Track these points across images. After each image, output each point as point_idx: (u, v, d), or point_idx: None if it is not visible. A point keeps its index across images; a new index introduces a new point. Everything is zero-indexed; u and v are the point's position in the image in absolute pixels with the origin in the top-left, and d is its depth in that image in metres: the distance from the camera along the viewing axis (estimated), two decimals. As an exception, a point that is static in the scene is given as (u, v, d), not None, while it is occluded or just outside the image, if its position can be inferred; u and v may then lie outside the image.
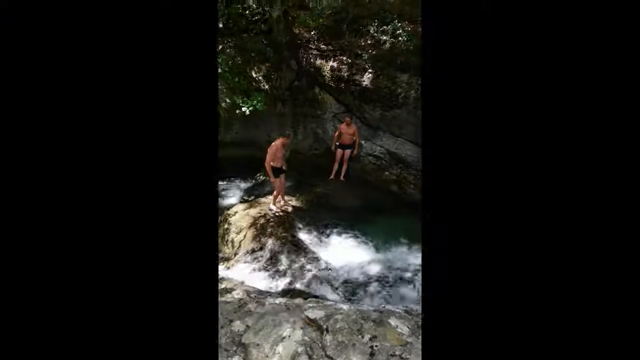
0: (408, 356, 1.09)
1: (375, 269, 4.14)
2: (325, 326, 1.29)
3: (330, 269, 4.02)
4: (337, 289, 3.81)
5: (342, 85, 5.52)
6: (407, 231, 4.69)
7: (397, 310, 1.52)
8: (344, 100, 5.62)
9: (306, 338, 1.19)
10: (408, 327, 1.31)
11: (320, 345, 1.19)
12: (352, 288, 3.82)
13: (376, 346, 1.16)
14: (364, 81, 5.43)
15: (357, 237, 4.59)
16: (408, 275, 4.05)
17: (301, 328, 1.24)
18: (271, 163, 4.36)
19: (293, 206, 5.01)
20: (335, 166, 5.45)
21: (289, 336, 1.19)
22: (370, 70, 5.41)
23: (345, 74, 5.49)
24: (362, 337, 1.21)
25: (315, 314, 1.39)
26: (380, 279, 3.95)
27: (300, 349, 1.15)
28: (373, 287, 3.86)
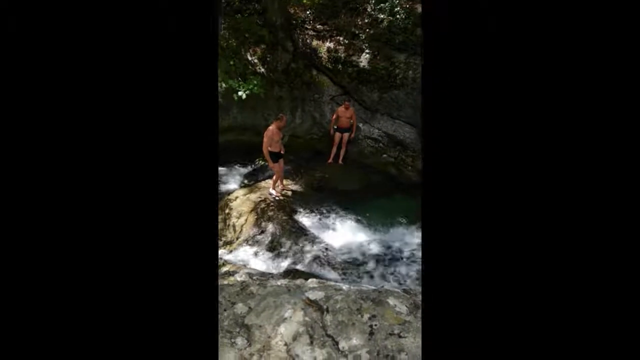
0: (406, 335, 1.15)
1: (374, 249, 4.24)
2: (325, 306, 1.34)
3: (330, 250, 4.11)
4: (337, 269, 3.91)
5: (339, 66, 5.41)
6: (405, 212, 4.77)
7: (395, 290, 1.57)
8: (341, 82, 5.53)
9: (307, 318, 1.25)
10: (406, 306, 1.36)
11: (321, 325, 1.24)
12: (352, 268, 3.94)
13: (375, 325, 1.21)
14: (361, 62, 5.31)
15: (356, 219, 4.66)
16: (406, 254, 4.16)
17: (302, 309, 1.29)
18: (269, 148, 4.35)
19: (292, 190, 5.05)
20: (334, 150, 5.45)
21: (290, 317, 1.24)
22: (367, 51, 5.28)
23: (342, 55, 5.37)
24: (362, 316, 1.26)
25: (316, 294, 1.44)
26: (379, 259, 4.06)
27: (301, 329, 1.20)
28: (371, 266, 3.98)
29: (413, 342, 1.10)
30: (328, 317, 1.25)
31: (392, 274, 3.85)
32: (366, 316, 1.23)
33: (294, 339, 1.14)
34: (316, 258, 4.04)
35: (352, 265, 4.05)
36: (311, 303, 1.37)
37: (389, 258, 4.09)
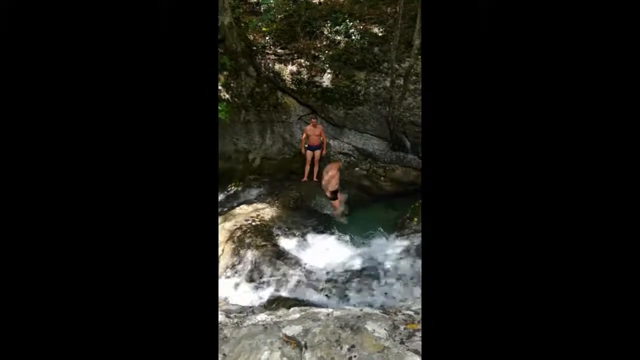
0: (385, 362, 1.13)
1: (356, 264, 4.21)
2: (303, 342, 1.29)
3: (313, 272, 4.04)
4: (321, 291, 3.84)
5: (304, 87, 5.53)
6: (383, 222, 4.83)
7: (375, 312, 1.55)
8: (307, 102, 5.64)
9: (285, 359, 1.20)
10: (385, 329, 1.35)
11: (299, 363, 1.20)
12: (336, 288, 3.87)
13: (354, 357, 1.18)
14: (324, 82, 5.47)
15: (337, 235, 4.65)
16: (388, 265, 4.18)
17: (279, 348, 1.24)
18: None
19: (269, 213, 4.96)
20: (307, 168, 5.47)
21: (267, 359, 1.19)
22: (328, 71, 5.46)
23: (305, 76, 5.50)
24: (341, 348, 1.23)
25: (293, 330, 1.39)
26: (362, 274, 4.03)
27: (279, 373, 1.15)
28: (356, 283, 3.94)
29: (392, 370, 1.09)
30: (307, 355, 1.21)
31: (376, 288, 3.83)
32: (345, 347, 1.21)
33: (272, 385, 1.09)
34: (299, 282, 3.95)
35: (337, 284, 3.99)
36: (289, 339, 1.33)
37: (371, 271, 4.08)
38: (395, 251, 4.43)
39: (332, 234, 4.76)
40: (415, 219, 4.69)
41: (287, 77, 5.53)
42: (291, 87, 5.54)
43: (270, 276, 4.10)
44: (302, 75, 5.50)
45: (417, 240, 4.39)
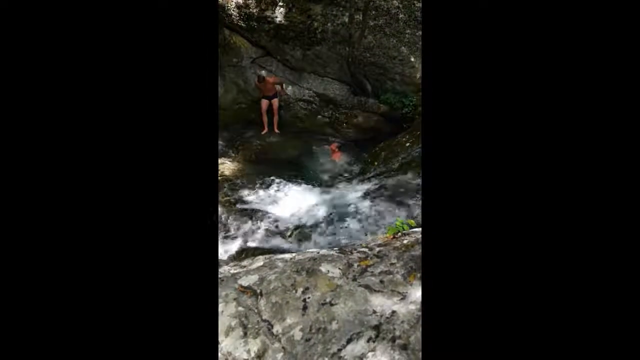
0: (337, 301, 1.17)
1: (322, 210, 4.35)
2: (259, 290, 1.30)
3: (280, 221, 4.10)
4: (288, 238, 3.96)
5: (254, 24, 4.92)
6: (346, 168, 4.91)
7: (331, 252, 1.59)
8: (260, 42, 5.09)
9: (240, 308, 1.20)
10: (339, 269, 1.39)
11: (256, 311, 1.21)
12: (303, 234, 4.01)
13: (308, 298, 1.21)
14: (276, 17, 4.89)
15: (302, 184, 4.68)
16: (350, 208, 4.37)
17: (234, 299, 1.24)
18: None
19: (231, 168, 4.78)
20: (265, 118, 5.20)
21: (222, 312, 1.18)
22: (280, 4, 4.85)
23: (255, 11, 4.87)
24: (296, 292, 1.26)
25: (250, 279, 1.39)
26: (327, 218, 4.19)
27: (234, 323, 1.16)
28: (321, 226, 4.10)
29: (343, 307, 1.14)
30: (262, 302, 1.23)
31: (338, 231, 4.02)
32: (299, 290, 1.24)
33: (226, 334, 1.10)
34: (267, 232, 4.01)
35: (304, 230, 4.12)
36: (245, 289, 1.33)
37: (335, 216, 4.24)
38: (356, 195, 4.59)
39: (298, 183, 4.77)
40: (376, 163, 4.80)
41: (234, 12, 4.85)
42: (239, 23, 4.91)
43: (238, 230, 4.11)
44: (250, 9, 4.85)
45: (376, 182, 4.58)
